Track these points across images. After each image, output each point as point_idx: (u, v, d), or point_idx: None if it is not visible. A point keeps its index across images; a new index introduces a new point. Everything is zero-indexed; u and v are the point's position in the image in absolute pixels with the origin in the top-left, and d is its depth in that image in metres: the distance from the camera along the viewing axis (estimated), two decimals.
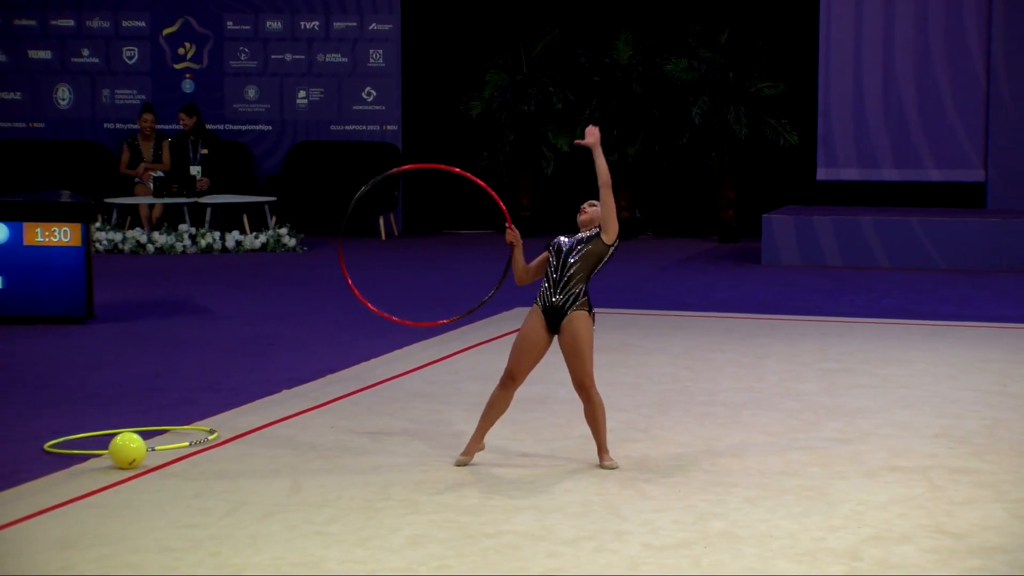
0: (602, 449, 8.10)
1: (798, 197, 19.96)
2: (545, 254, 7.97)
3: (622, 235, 21.12)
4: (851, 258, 17.71)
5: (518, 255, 8.07)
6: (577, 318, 7.79)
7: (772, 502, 7.59)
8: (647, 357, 11.56)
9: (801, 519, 7.30)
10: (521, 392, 10.18)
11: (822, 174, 19.68)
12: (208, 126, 20.54)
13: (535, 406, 9.82)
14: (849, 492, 7.79)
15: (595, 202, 7.97)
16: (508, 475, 8.11)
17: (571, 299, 7.75)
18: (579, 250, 7.79)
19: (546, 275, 7.86)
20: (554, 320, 7.82)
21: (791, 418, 9.52)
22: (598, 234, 7.86)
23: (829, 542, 6.92)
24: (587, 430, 9.14)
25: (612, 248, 7.91)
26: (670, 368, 11.14)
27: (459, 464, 8.05)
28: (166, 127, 20.49)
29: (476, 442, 8.14)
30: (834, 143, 19.60)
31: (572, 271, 7.74)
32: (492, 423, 8.13)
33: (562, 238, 7.93)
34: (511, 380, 7.95)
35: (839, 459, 8.48)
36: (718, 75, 19.60)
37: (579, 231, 8.02)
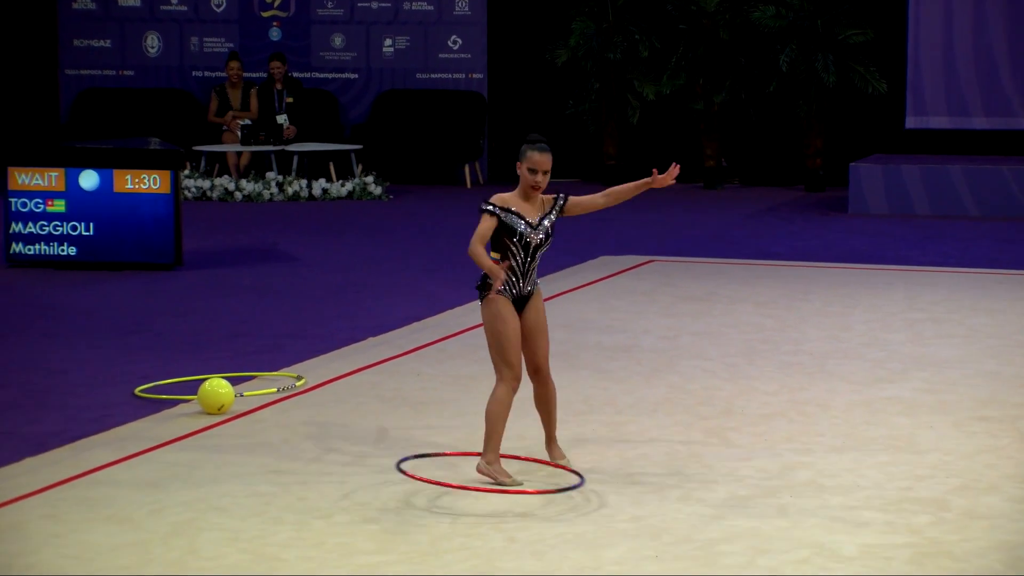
0: (552, 440, 7.31)
1: (886, 146, 19.77)
2: (492, 221, 6.96)
3: (708, 184, 20.86)
4: (940, 207, 17.54)
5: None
6: (539, 296, 7.15)
7: (858, 451, 7.57)
8: (733, 306, 11.52)
9: (887, 468, 7.27)
10: (606, 341, 10.19)
11: (911, 122, 19.48)
12: (294, 74, 20.60)
13: (620, 354, 9.82)
14: (936, 442, 7.75)
15: (549, 169, 7.04)
16: (594, 422, 8.12)
17: (533, 282, 7.09)
18: (547, 243, 7.08)
19: (511, 266, 7.01)
20: (520, 305, 7.07)
21: (877, 368, 9.47)
22: (555, 220, 7.07)
23: (916, 491, 6.89)
24: (675, 377, 9.14)
25: None
26: (756, 317, 11.10)
27: (515, 484, 6.93)
28: (253, 75, 20.57)
29: (551, 454, 7.33)
30: (923, 91, 19.39)
31: (535, 263, 7.05)
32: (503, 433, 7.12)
33: (521, 226, 6.97)
34: (517, 380, 7.03)
35: (926, 409, 8.44)
36: (806, 22, 19.42)
37: (529, 199, 7.07)
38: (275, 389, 8.78)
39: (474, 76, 21.09)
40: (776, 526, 6.40)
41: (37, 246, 13.30)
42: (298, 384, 8.90)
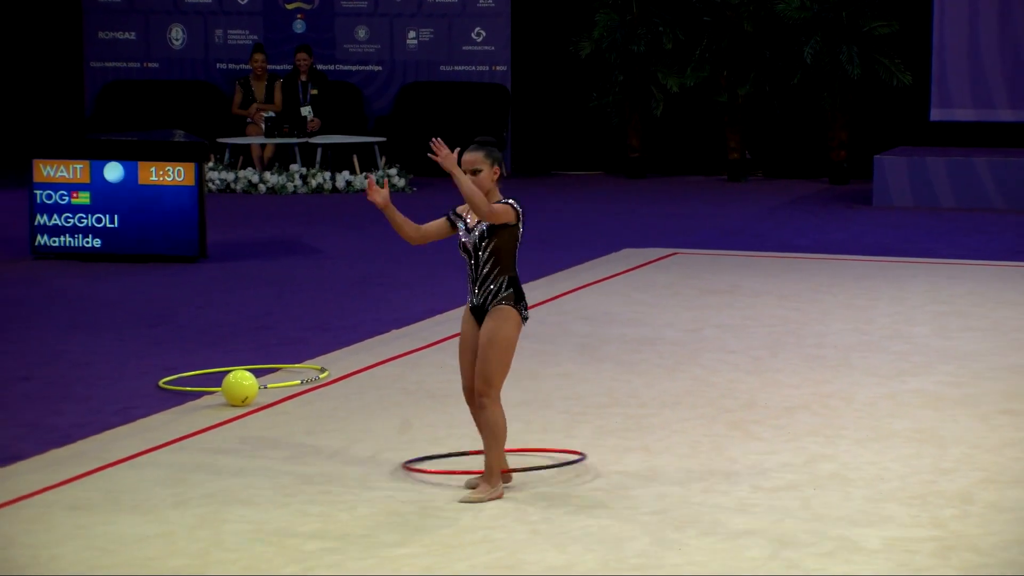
0: (486, 467, 6.73)
1: (911, 138, 19.70)
2: (443, 220, 6.88)
3: (732, 177, 20.81)
4: (965, 200, 17.48)
5: (392, 215, 6.88)
6: (496, 315, 6.69)
7: (882, 444, 7.55)
8: (756, 299, 11.51)
9: (912, 462, 7.25)
10: (630, 333, 10.18)
11: (936, 115, 19.41)
12: (318, 67, 20.62)
13: (643, 347, 9.82)
14: (961, 435, 7.73)
15: (478, 167, 6.72)
16: (617, 415, 8.12)
17: (490, 296, 6.69)
18: (484, 246, 6.70)
19: (467, 274, 6.83)
20: (480, 317, 6.78)
21: (902, 360, 9.45)
22: (491, 224, 6.71)
23: (940, 485, 6.88)
24: (698, 370, 9.13)
25: (519, 224, 6.74)
26: (779, 310, 11.08)
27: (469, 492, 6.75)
28: (277, 68, 20.58)
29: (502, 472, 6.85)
30: (948, 83, 19.32)
31: (487, 269, 6.70)
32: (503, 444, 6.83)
33: (462, 232, 6.80)
34: (465, 391, 6.88)
35: (950, 402, 8.42)
36: (830, 14, 19.36)
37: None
38: (299, 381, 8.80)
39: (498, 68, 21.08)
40: (799, 519, 6.40)
41: (62, 238, 13.34)
42: (321, 376, 8.92)
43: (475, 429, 7.75)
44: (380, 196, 6.84)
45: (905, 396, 8.55)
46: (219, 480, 6.92)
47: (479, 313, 6.77)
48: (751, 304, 11.29)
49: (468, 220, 6.79)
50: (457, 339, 6.96)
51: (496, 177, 6.76)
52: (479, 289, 6.75)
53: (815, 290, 11.86)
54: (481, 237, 6.72)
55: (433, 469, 6.89)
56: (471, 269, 6.77)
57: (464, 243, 6.78)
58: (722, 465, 7.21)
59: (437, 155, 6.68)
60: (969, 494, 6.73)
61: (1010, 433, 7.76)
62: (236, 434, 7.76)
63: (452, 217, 6.86)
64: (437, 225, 6.90)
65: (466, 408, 8.20)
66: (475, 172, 6.68)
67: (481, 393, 6.69)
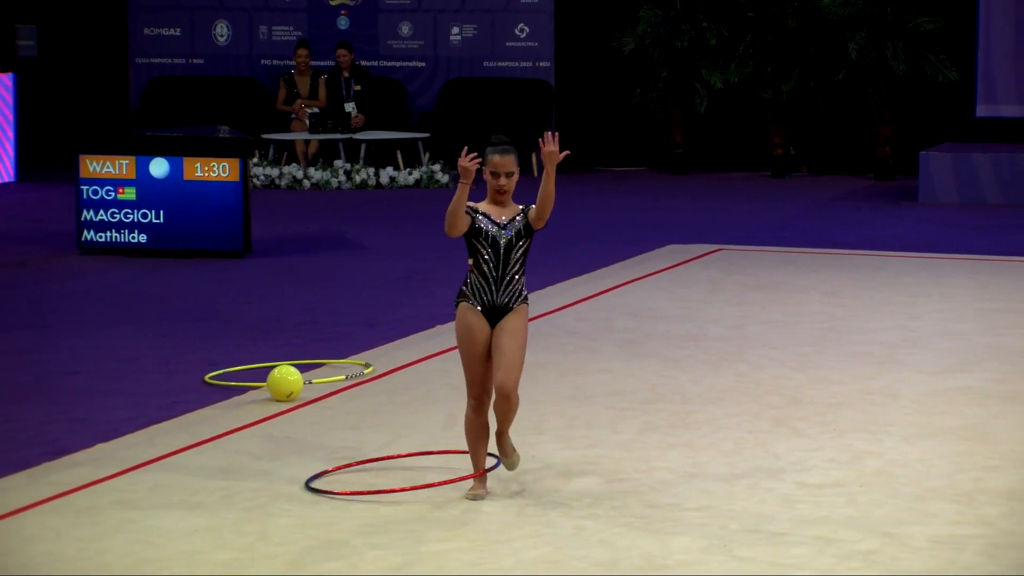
0: (505, 435, 6.79)
1: (956, 134, 19.61)
2: (466, 215, 6.65)
3: (776, 173, 20.77)
4: (1010, 196, 17.38)
5: (465, 194, 6.61)
6: (521, 313, 6.69)
7: (928, 441, 7.52)
8: (801, 295, 11.47)
9: (958, 459, 7.22)
10: (674, 330, 10.17)
11: (981, 110, 19.31)
12: (362, 62, 20.65)
13: (688, 343, 9.80)
14: (1008, 432, 7.70)
15: (512, 170, 6.67)
16: (660, 411, 8.11)
17: (514, 296, 6.67)
18: (519, 247, 6.66)
19: (479, 270, 6.69)
20: (495, 317, 6.68)
21: (948, 357, 9.41)
22: (528, 224, 6.67)
23: (987, 482, 6.85)
24: (743, 366, 9.11)
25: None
26: (824, 306, 11.05)
27: (475, 498, 6.66)
28: (321, 64, 20.63)
29: (501, 449, 6.84)
30: (994, 79, 19.22)
31: (515, 268, 6.66)
32: (485, 449, 6.79)
33: (488, 226, 6.64)
34: (476, 399, 6.72)
35: (997, 399, 8.38)
36: (875, 9, 19.28)
37: (496, 202, 6.70)
38: (343, 376, 8.82)
39: (541, 64, 21.07)
40: (845, 515, 6.38)
41: (108, 234, 13.41)
42: (366, 371, 8.94)
43: (517, 424, 7.75)
44: (555, 153, 6.62)
45: (952, 393, 8.52)
46: (265, 475, 6.95)
47: (495, 313, 6.66)
48: (796, 300, 11.26)
49: (495, 217, 6.66)
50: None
51: (516, 179, 6.73)
52: (502, 288, 6.67)
53: (860, 286, 11.82)
54: (517, 237, 6.65)
55: (341, 491, 6.74)
56: (492, 268, 6.65)
57: (496, 238, 6.64)
58: (767, 462, 7.19)
59: (544, 145, 6.59)
60: (1016, 492, 6.70)
61: None
62: (281, 429, 7.79)
63: (470, 212, 6.66)
64: (463, 202, 6.69)
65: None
66: (510, 175, 6.64)
67: (509, 388, 6.60)
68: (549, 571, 5.76)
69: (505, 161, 6.64)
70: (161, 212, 13.35)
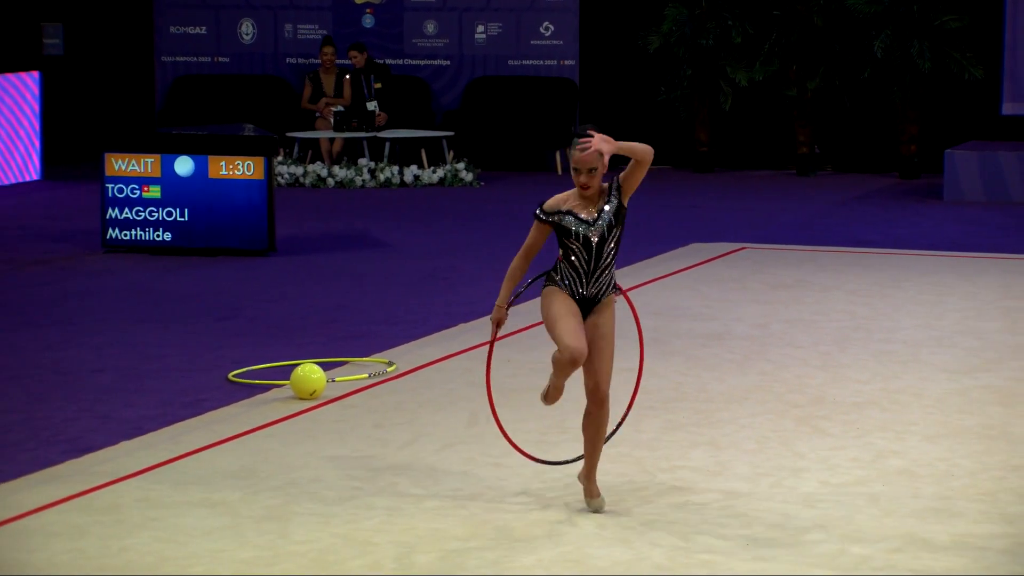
0: (593, 474, 6.52)
1: (982, 132, 19.54)
2: (539, 226, 6.47)
3: (801, 171, 20.68)
4: None
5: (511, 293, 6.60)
6: (610, 306, 6.46)
7: (952, 441, 7.50)
8: (825, 294, 11.45)
9: (982, 458, 7.20)
10: (698, 328, 10.16)
11: (1008, 108, 19.24)
12: (387, 61, 20.66)
13: (711, 342, 9.79)
14: None
15: (594, 166, 6.38)
16: (684, 410, 8.10)
17: (604, 287, 6.43)
18: (614, 235, 6.41)
19: (569, 263, 6.43)
20: (585, 307, 6.43)
21: (972, 356, 9.38)
22: (620, 203, 6.46)
23: (1010, 481, 6.83)
24: (767, 365, 9.09)
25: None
26: (848, 305, 11.02)
27: (598, 509, 6.44)
28: (346, 62, 20.64)
29: (586, 491, 6.54)
30: (1020, 77, 19.15)
31: (608, 259, 6.40)
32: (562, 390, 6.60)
33: (577, 226, 6.38)
34: (568, 351, 6.36)
35: (1021, 398, 8.35)
36: (901, 8, 19.23)
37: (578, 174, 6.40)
38: (367, 375, 8.83)
39: (566, 63, 21.06)
40: (868, 515, 6.37)
41: (133, 231, 13.44)
42: (389, 370, 8.95)
43: (542, 423, 7.75)
44: (603, 146, 6.35)
45: (976, 392, 8.49)
46: (287, 473, 6.96)
47: (584, 303, 6.42)
48: (820, 299, 11.24)
49: (584, 215, 6.36)
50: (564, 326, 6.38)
51: (604, 171, 6.42)
52: (594, 280, 6.40)
53: (884, 285, 11.79)
54: (610, 227, 6.38)
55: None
56: (584, 262, 6.38)
57: (587, 236, 6.35)
58: (790, 460, 7.18)
59: (593, 145, 6.35)
60: None
61: None
62: (304, 427, 7.80)
63: (549, 217, 6.40)
64: (537, 238, 6.47)
65: (531, 402, 8.22)
66: (592, 171, 6.35)
67: (604, 392, 6.41)
68: (570, 570, 5.76)
69: (585, 158, 6.34)
70: (186, 210, 13.38)
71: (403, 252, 13.72)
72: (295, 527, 6.22)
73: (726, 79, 20.12)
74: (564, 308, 6.40)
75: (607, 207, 6.42)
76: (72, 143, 20.71)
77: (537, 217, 6.46)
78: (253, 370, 9.03)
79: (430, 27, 21.41)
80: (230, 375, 8.91)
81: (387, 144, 19.07)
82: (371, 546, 6.00)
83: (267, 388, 8.61)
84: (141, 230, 13.43)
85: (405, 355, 9.39)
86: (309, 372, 8.34)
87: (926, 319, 10.51)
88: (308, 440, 7.54)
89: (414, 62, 21.37)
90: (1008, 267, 12.71)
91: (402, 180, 18.72)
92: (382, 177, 18.68)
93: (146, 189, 13.41)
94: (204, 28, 21.74)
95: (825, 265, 12.71)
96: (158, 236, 13.42)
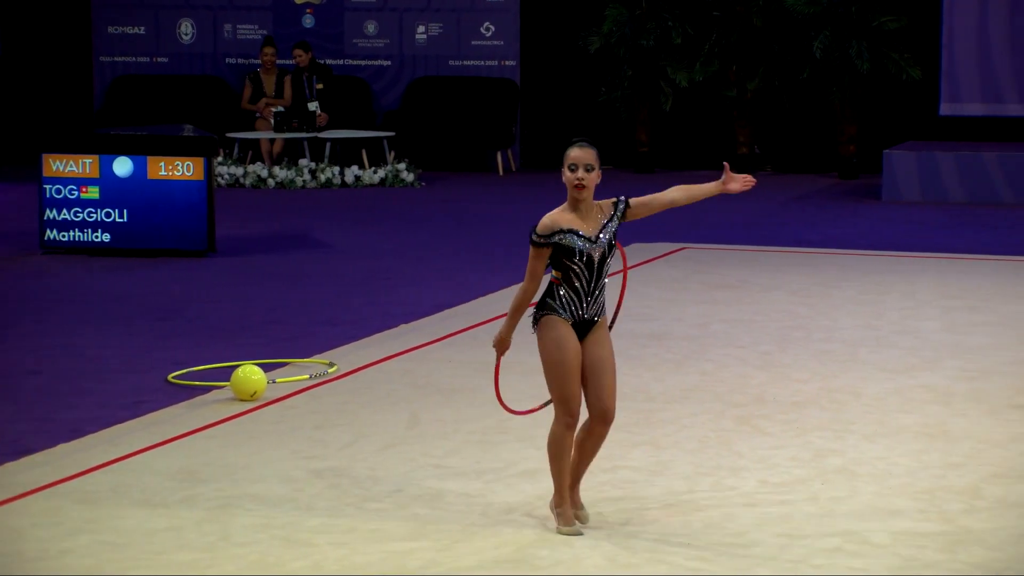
0: (576, 485, 6.33)
1: (920, 133, 19.69)
2: (538, 251, 6.20)
3: (741, 170, 20.84)
4: (974, 194, 17.46)
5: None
6: (605, 329, 6.25)
7: (891, 439, 7.55)
8: (765, 294, 11.50)
9: (920, 457, 7.25)
10: (638, 328, 10.18)
11: (945, 109, 19.39)
12: (327, 61, 20.62)
13: (652, 342, 9.82)
14: (969, 430, 7.73)
15: (591, 164, 6.17)
16: (624, 410, 8.12)
17: (600, 308, 6.20)
18: (612, 254, 6.19)
19: (570, 285, 6.16)
20: (582, 330, 6.19)
21: (911, 355, 9.44)
22: (617, 226, 6.22)
23: (948, 480, 6.88)
24: (707, 365, 9.12)
25: None
26: (788, 305, 11.08)
27: (573, 534, 6.18)
28: (286, 62, 20.58)
29: (570, 502, 6.29)
30: (958, 78, 19.30)
31: (605, 278, 6.19)
32: (569, 471, 6.29)
33: (579, 243, 6.12)
34: (572, 416, 6.13)
35: (959, 397, 8.41)
36: (840, 8, 19.34)
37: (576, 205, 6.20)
38: (307, 376, 8.81)
39: (507, 63, 21.07)
40: (807, 513, 6.40)
41: (71, 233, 13.35)
42: (330, 371, 8.93)
43: (483, 423, 7.75)
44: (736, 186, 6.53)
45: (914, 391, 8.55)
46: (228, 474, 6.93)
47: (582, 326, 6.16)
48: (760, 299, 11.29)
49: (585, 232, 6.13)
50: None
51: (598, 181, 6.21)
52: (593, 300, 6.15)
53: (824, 285, 11.86)
54: (610, 246, 6.15)
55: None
56: (585, 282, 6.13)
57: (591, 254, 6.10)
58: (730, 460, 7.21)
59: (736, 181, 6.54)
60: (978, 489, 6.73)
61: (1019, 428, 7.76)
62: (245, 428, 7.77)
63: (548, 240, 6.13)
64: (538, 265, 6.20)
65: (473, 402, 8.22)
66: (589, 168, 6.13)
67: (612, 415, 6.18)
68: (511, 570, 5.76)
69: (583, 154, 6.14)
70: (125, 211, 13.31)
71: (344, 253, 13.69)
72: (236, 529, 6.20)
73: (666, 80, 20.19)
74: (571, 356, 6.11)
75: (609, 224, 6.18)
76: (9, 144, 20.57)
77: (535, 243, 6.16)
78: (193, 371, 8.99)
79: (370, 27, 21.38)
80: (170, 376, 8.87)
81: (328, 145, 19.03)
82: (312, 547, 5.98)
83: (207, 389, 8.57)
84: (79, 231, 13.34)
85: (346, 356, 9.37)
86: (249, 373, 8.31)
87: (865, 318, 10.58)
88: (249, 441, 7.51)
89: (354, 62, 21.34)
90: (946, 266, 12.80)
91: (343, 181, 18.69)
92: (323, 178, 18.64)
93: (84, 190, 13.32)
94: (143, 28, 21.63)
95: (765, 265, 12.77)
96: (97, 237, 13.34)
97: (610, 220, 6.20)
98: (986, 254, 13.55)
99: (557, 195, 19.34)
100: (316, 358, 9.36)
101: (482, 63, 21.14)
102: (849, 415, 8.03)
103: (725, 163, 6.71)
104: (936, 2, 19.50)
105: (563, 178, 6.23)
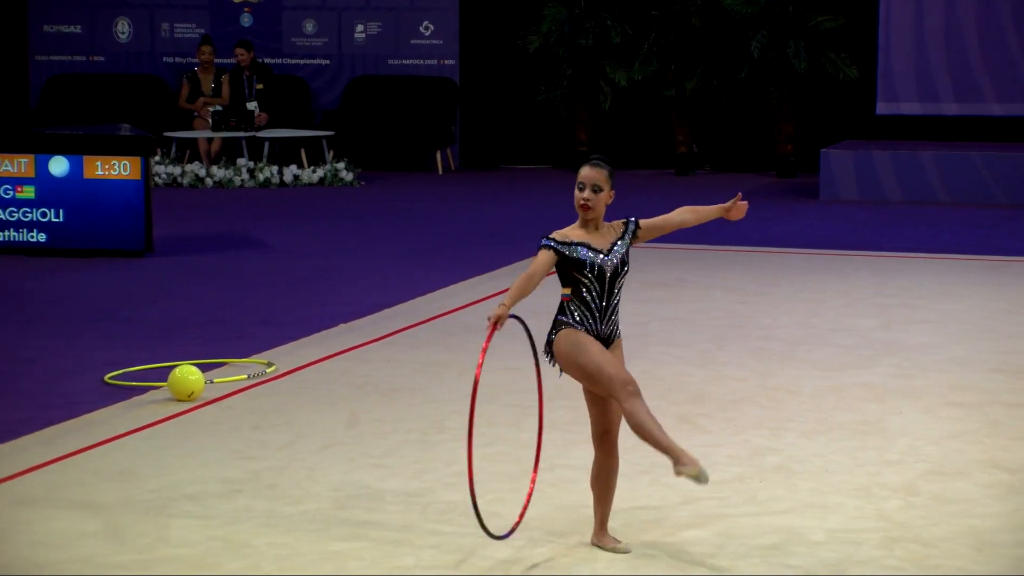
0: (603, 525, 6.10)
1: (857, 132, 19.82)
2: (548, 252, 6.02)
3: (680, 171, 20.85)
4: (910, 193, 17.58)
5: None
6: (619, 347, 6.11)
7: (828, 437, 7.59)
8: (703, 292, 11.54)
9: (857, 454, 7.29)
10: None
11: (882, 108, 19.53)
12: (266, 60, 20.55)
13: None
14: (905, 427, 7.78)
15: (600, 185, 6.08)
16: (562, 408, 8.13)
17: (615, 328, 6.07)
18: (625, 272, 6.06)
19: (580, 300, 5.99)
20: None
21: (847, 354, 9.49)
22: (628, 245, 6.12)
23: (885, 476, 6.92)
24: (645, 363, 9.13)
25: None
26: (726, 303, 11.12)
27: (622, 550, 5.99)
28: (224, 61, 20.50)
29: (606, 531, 6.10)
30: (894, 77, 19.44)
31: (618, 298, 6.05)
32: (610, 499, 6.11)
33: (590, 255, 5.99)
34: (632, 383, 5.90)
35: (896, 394, 8.46)
36: (777, 8, 19.43)
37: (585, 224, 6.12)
38: (246, 376, 8.77)
39: (446, 62, 21.06)
40: (745, 511, 6.42)
41: (6, 232, 13.25)
42: (269, 371, 8.90)
43: (423, 423, 7.74)
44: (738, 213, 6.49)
45: (851, 389, 8.60)
46: (165, 475, 6.90)
47: (602, 343, 6.00)
48: (698, 297, 11.33)
49: (595, 245, 6.01)
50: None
51: (610, 201, 6.12)
52: (606, 319, 6.00)
53: (762, 283, 11.91)
54: (622, 263, 6.02)
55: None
56: (596, 297, 5.97)
57: (603, 267, 5.97)
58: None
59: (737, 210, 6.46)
60: (913, 486, 6.78)
61: (954, 425, 7.82)
62: (182, 429, 7.73)
63: (560, 246, 5.99)
64: (540, 268, 5.98)
65: (412, 401, 8.21)
66: (596, 190, 6.03)
67: (615, 435, 6.10)
68: (450, 571, 5.76)
69: (593, 174, 6.04)
70: (61, 211, 13.22)
71: (282, 252, 13.65)
72: (173, 530, 6.16)
73: (605, 79, 20.23)
74: (597, 347, 5.92)
75: (620, 243, 6.07)
76: None
77: (545, 245, 6.00)
78: (130, 372, 8.94)
79: (309, 26, 21.31)
80: (106, 377, 8.81)
81: (266, 144, 18.96)
82: (250, 548, 5.96)
83: (144, 390, 8.52)
84: (15, 231, 13.24)
85: (284, 356, 9.34)
86: (187, 373, 8.27)
87: (803, 317, 10.63)
88: (186, 442, 7.48)
89: (293, 61, 21.28)
90: (883, 265, 12.88)
91: (281, 180, 18.63)
92: (261, 177, 18.57)
93: (20, 189, 13.22)
94: (79, 27, 21.50)
95: (704, 264, 12.82)
96: (32, 237, 13.24)
97: (620, 239, 6.09)
98: (922, 252, 13.64)
99: (497, 194, 19.45)
100: (254, 358, 9.32)
101: (421, 62, 21.13)
102: (787, 413, 8.07)
103: (739, 192, 6.60)
104: (873, 2, 19.62)
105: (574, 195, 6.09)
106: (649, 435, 5.87)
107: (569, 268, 5.98)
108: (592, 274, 5.96)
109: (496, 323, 5.87)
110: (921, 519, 6.32)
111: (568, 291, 6.02)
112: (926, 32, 19.41)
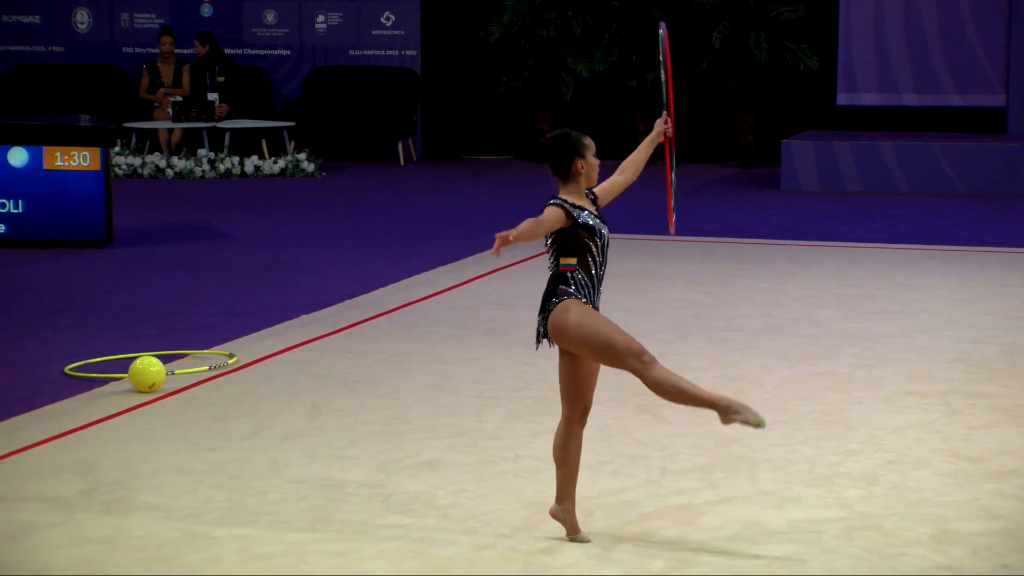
0: (573, 496, 6.02)
1: (818, 122, 19.87)
2: (559, 209, 5.93)
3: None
4: (871, 184, 17.64)
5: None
6: None
7: (789, 427, 7.61)
8: (664, 283, 11.56)
9: (818, 444, 7.32)
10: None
11: (842, 99, 19.58)
12: (226, 51, 20.47)
13: None
14: (866, 417, 7.81)
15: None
16: (525, 399, 8.13)
17: (599, 301, 6.04)
18: (608, 244, 6.02)
19: (585, 269, 5.90)
20: None
21: (809, 343, 9.52)
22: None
23: (846, 466, 6.94)
24: None
25: None
26: (687, 294, 11.14)
27: (581, 539, 5.94)
28: (184, 52, 20.43)
29: (572, 507, 6.01)
30: (854, 68, 19.49)
31: (605, 269, 6.02)
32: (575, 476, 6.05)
33: (594, 221, 5.95)
34: (644, 351, 5.98)
35: (857, 384, 8.49)
36: None
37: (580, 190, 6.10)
38: (207, 367, 8.75)
39: (407, 53, 21.03)
40: (707, 501, 6.44)
41: None
42: (230, 362, 8.87)
43: (384, 414, 7.73)
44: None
45: (812, 378, 8.63)
46: (126, 467, 6.87)
47: None
48: (659, 288, 11.34)
49: (592, 211, 5.98)
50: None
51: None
52: (599, 291, 5.96)
53: (723, 274, 11.93)
54: (606, 227, 5.98)
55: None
56: (598, 265, 5.93)
57: (605, 233, 5.95)
58: (630, 448, 7.23)
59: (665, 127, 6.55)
60: (874, 475, 6.80)
61: (915, 415, 7.85)
62: (143, 421, 7.71)
63: (572, 208, 5.92)
64: (553, 218, 5.89)
65: (374, 392, 8.21)
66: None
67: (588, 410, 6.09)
68: (412, 562, 5.75)
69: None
70: (20, 202, 13.15)
71: (244, 243, 13.61)
72: (134, 521, 6.14)
73: (567, 69, 20.23)
74: (605, 319, 5.88)
75: (599, 211, 6.06)
76: None
77: (559, 204, 5.90)
78: (91, 363, 8.90)
79: (269, 16, 21.25)
80: (67, 368, 8.77)
81: (227, 134, 18.90)
82: (212, 540, 5.94)
83: (105, 381, 8.49)
84: None
85: (246, 347, 9.32)
86: (148, 365, 8.24)
87: (764, 307, 10.65)
88: (147, 433, 7.45)
89: (254, 52, 21.22)
90: (844, 255, 12.92)
91: (243, 171, 18.58)
92: (222, 168, 18.52)
93: None
94: (38, 17, 21.38)
95: (664, 254, 12.83)
96: None
97: (596, 208, 6.06)
98: (882, 243, 13.69)
99: (458, 184, 19.46)
100: (216, 349, 9.30)
101: (382, 53, 21.09)
102: (748, 403, 8.06)
103: (664, 112, 6.67)
104: None
105: (581, 167, 6.09)
106: (686, 396, 5.83)
107: (579, 233, 5.88)
108: (601, 241, 5.91)
109: (500, 243, 5.79)
110: (882, 508, 6.34)
111: (573, 260, 5.92)
112: (886, 23, 19.47)
